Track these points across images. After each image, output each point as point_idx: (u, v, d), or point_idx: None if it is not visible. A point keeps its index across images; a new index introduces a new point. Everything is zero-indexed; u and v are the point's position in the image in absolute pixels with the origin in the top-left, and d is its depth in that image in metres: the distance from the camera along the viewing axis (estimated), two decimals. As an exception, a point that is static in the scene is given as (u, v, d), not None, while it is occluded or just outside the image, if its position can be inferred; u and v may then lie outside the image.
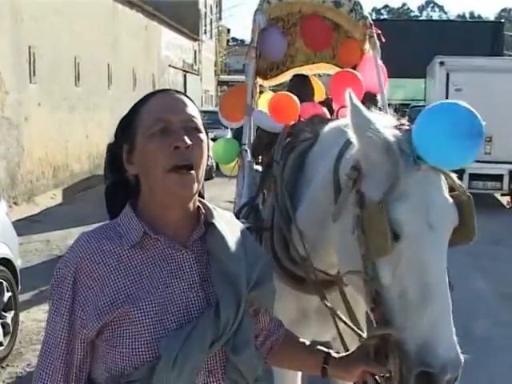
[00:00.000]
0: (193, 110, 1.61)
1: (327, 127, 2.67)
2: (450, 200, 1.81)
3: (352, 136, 1.90)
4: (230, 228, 1.70)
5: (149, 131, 1.55)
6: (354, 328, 2.16)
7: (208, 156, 1.64)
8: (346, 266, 1.98)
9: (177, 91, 1.67)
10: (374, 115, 1.89)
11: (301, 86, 4.84)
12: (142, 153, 1.55)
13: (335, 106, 4.79)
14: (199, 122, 1.61)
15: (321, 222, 2.25)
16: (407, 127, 1.86)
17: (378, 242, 1.74)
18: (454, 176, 1.85)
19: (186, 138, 1.52)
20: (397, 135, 1.82)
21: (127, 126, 1.62)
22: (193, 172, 1.53)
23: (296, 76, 5.23)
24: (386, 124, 1.89)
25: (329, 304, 2.35)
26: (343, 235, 1.95)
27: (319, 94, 5.63)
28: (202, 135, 1.59)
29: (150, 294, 1.51)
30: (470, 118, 1.70)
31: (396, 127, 1.89)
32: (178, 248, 1.58)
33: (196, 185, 1.55)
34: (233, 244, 1.64)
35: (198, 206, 1.67)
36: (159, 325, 1.49)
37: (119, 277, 1.52)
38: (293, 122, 3.53)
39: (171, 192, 1.53)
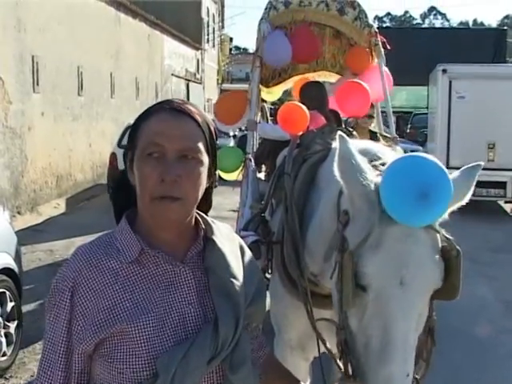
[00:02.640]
0: (193, 135, 1.55)
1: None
2: (435, 257, 1.71)
3: (339, 180, 1.85)
4: (229, 243, 1.68)
5: (144, 153, 1.52)
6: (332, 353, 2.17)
7: (213, 172, 1.63)
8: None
9: (182, 109, 1.57)
10: (362, 159, 1.82)
11: (315, 95, 4.82)
12: (137, 172, 1.54)
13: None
14: (199, 149, 1.54)
15: (327, 248, 2.25)
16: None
17: (345, 291, 1.72)
18: (440, 229, 1.75)
19: (175, 171, 1.48)
20: (378, 184, 1.74)
21: (131, 136, 1.59)
22: (179, 201, 1.50)
23: (310, 83, 5.20)
24: (372, 173, 1.82)
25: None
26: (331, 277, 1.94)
27: None
28: (199, 165, 1.54)
29: (147, 310, 1.50)
30: (420, 178, 1.60)
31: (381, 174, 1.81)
32: (175, 264, 1.56)
33: (183, 211, 1.53)
34: (232, 260, 1.62)
35: (197, 221, 1.65)
36: (156, 341, 1.48)
37: (116, 293, 1.50)
38: (301, 132, 3.53)
39: (157, 218, 1.53)
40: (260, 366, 1.79)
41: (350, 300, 1.72)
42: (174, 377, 1.43)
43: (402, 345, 1.67)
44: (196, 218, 1.65)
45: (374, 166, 1.89)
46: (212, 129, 1.63)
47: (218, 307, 1.54)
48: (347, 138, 1.85)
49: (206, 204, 1.71)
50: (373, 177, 1.79)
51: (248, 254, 1.76)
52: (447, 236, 1.75)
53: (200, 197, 1.57)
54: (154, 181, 1.49)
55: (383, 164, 1.90)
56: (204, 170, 1.56)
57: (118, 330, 1.47)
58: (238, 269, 1.62)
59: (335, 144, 2.72)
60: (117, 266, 1.53)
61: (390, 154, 2.10)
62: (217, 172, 1.72)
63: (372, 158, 1.99)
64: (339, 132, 1.89)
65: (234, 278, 1.59)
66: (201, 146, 1.55)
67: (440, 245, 1.73)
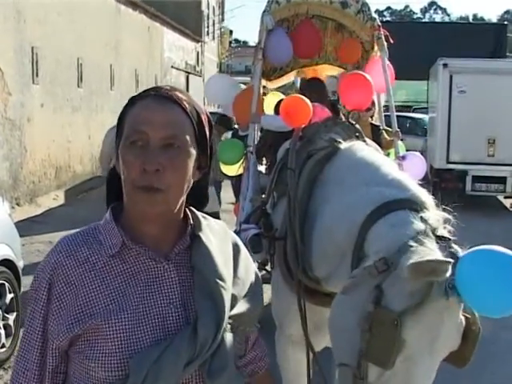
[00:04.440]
0: (179, 123, 1.46)
1: (349, 146, 2.68)
2: (461, 327, 1.76)
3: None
4: (220, 240, 1.59)
5: (127, 140, 1.45)
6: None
7: (206, 163, 1.56)
8: (340, 346, 1.94)
9: (169, 95, 1.49)
10: (432, 248, 1.82)
11: (315, 90, 4.80)
12: (121, 160, 1.46)
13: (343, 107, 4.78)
14: (185, 137, 1.46)
15: (334, 260, 2.23)
16: (451, 255, 1.78)
17: (382, 353, 1.70)
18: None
19: (157, 160, 1.40)
20: (439, 258, 1.74)
21: (118, 123, 1.52)
22: (162, 192, 1.41)
23: (310, 79, 5.21)
24: (433, 246, 1.84)
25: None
26: (347, 313, 1.89)
27: None
28: (184, 154, 1.45)
29: (125, 307, 1.42)
30: None
31: (442, 247, 1.84)
32: (158, 260, 1.48)
33: (166, 203, 1.44)
34: (219, 258, 1.52)
35: (186, 216, 1.57)
36: (132, 341, 1.40)
37: (94, 287, 1.43)
38: (303, 125, 3.50)
39: (139, 209, 1.45)
40: (254, 376, 1.72)
41: (390, 363, 1.70)
42: (145, 379, 1.35)
43: None
44: (185, 212, 1.56)
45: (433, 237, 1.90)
46: (203, 117, 1.54)
47: (199, 308, 1.45)
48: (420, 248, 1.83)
49: (200, 199, 1.62)
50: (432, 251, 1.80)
51: (243, 253, 1.66)
52: (474, 312, 1.78)
53: (187, 189, 1.49)
54: (136, 170, 1.41)
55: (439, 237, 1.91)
56: (190, 160, 1.47)
57: (93, 327, 1.40)
58: (225, 269, 1.52)
59: (344, 145, 2.74)
60: (97, 259, 1.46)
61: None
62: (213, 166, 1.65)
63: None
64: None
65: (219, 278, 1.49)
66: (187, 133, 1.47)
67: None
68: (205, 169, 1.57)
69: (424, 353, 1.73)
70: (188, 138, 1.47)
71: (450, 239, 1.90)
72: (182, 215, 1.55)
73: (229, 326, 1.49)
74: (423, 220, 1.97)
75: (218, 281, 1.48)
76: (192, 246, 1.53)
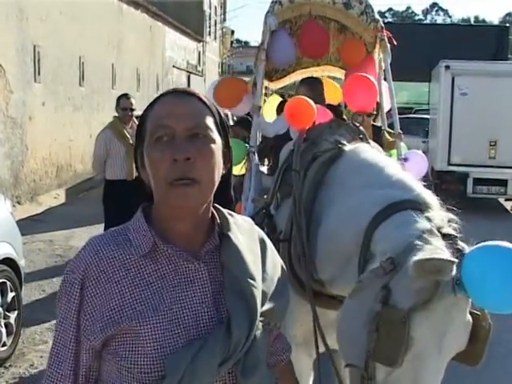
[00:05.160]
0: (201, 113, 1.48)
1: (354, 148, 2.69)
2: (468, 326, 1.76)
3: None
4: (248, 238, 1.59)
5: (152, 138, 1.45)
6: None
7: (228, 158, 1.57)
8: (347, 347, 1.95)
9: (186, 91, 1.53)
10: (437, 245, 1.82)
11: (312, 89, 4.81)
12: (148, 160, 1.46)
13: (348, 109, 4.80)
14: (208, 126, 1.47)
15: (339, 263, 2.23)
16: (458, 252, 1.78)
17: (389, 351, 1.70)
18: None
19: (186, 150, 1.41)
20: (443, 257, 1.73)
21: (139, 131, 1.53)
22: (196, 184, 1.42)
23: (307, 79, 5.20)
24: (439, 243, 1.83)
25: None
26: (355, 315, 1.90)
27: (336, 96, 5.59)
28: (211, 143, 1.46)
29: (158, 308, 1.42)
30: None
31: (448, 244, 1.83)
32: (189, 259, 1.47)
33: (201, 196, 1.45)
34: (248, 257, 1.53)
35: (213, 215, 1.57)
36: (167, 341, 1.40)
37: (127, 288, 1.43)
38: (307, 127, 3.50)
39: (173, 204, 1.44)
40: (278, 371, 1.73)
41: (398, 361, 1.69)
42: (181, 379, 1.36)
43: None
44: (212, 211, 1.57)
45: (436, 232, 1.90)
46: (222, 114, 1.57)
47: (231, 307, 1.45)
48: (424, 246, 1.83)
49: (225, 197, 1.62)
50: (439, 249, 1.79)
51: (270, 248, 1.66)
52: (484, 310, 1.77)
53: (217, 181, 1.49)
54: (166, 163, 1.41)
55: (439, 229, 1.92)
56: (217, 149, 1.48)
57: (127, 328, 1.40)
58: (254, 267, 1.53)
59: (349, 147, 2.73)
60: (129, 259, 1.46)
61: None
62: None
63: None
64: (416, 259, 1.77)
65: (250, 277, 1.49)
66: (210, 123, 1.48)
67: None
68: (228, 164, 1.58)
69: (432, 351, 1.72)
70: (211, 126, 1.49)
71: (456, 236, 1.89)
72: (210, 214, 1.55)
73: (260, 323, 1.49)
74: (428, 219, 1.97)
75: (248, 280, 1.49)
76: (221, 245, 1.53)
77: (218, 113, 1.55)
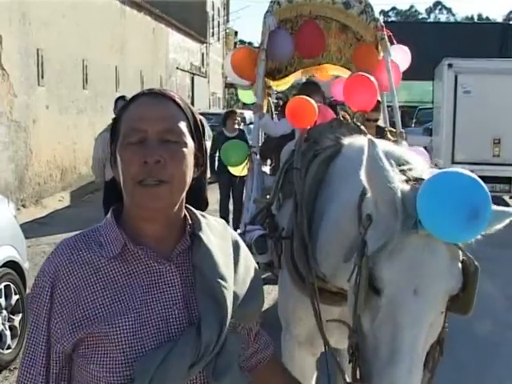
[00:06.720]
0: (175, 117, 1.48)
1: (352, 141, 2.67)
2: (454, 269, 1.69)
3: (365, 184, 1.82)
4: (220, 239, 1.58)
5: (125, 140, 1.45)
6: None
7: (202, 161, 1.56)
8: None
9: (162, 93, 1.52)
10: (390, 165, 1.77)
11: (312, 92, 4.83)
12: (119, 160, 1.46)
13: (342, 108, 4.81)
14: (181, 130, 1.47)
15: (341, 253, 2.23)
16: (417, 185, 1.73)
17: (360, 296, 1.70)
18: (460, 245, 1.71)
19: (157, 153, 1.40)
20: (405, 192, 1.71)
21: (114, 129, 1.52)
22: (165, 184, 1.41)
23: (306, 83, 5.26)
24: (399, 179, 1.78)
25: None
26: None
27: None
28: (182, 147, 1.45)
29: (128, 310, 1.40)
30: (472, 198, 1.55)
31: (408, 181, 1.79)
32: (160, 261, 1.46)
33: (170, 197, 1.44)
34: (220, 258, 1.51)
35: (185, 216, 1.56)
36: (135, 344, 1.38)
37: (96, 290, 1.41)
38: (309, 127, 3.52)
39: (141, 205, 1.43)
40: (264, 368, 1.73)
41: (362, 302, 1.69)
42: (151, 382, 1.34)
43: (409, 353, 1.64)
44: (184, 212, 1.56)
45: (402, 171, 1.85)
46: (197, 117, 1.56)
47: (201, 309, 1.44)
48: (376, 141, 1.81)
49: (199, 200, 1.62)
50: (400, 183, 1.75)
51: (244, 250, 1.65)
52: (466, 252, 1.72)
53: (188, 182, 1.48)
54: (136, 165, 1.41)
55: (410, 169, 1.88)
56: (189, 153, 1.47)
57: (96, 331, 1.38)
58: (226, 268, 1.51)
59: (347, 140, 2.73)
60: (98, 261, 1.44)
61: (416, 159, 2.07)
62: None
63: (400, 162, 1.94)
64: (369, 136, 1.83)
65: (221, 277, 1.47)
66: (183, 127, 1.48)
67: (460, 257, 1.71)
68: (202, 166, 1.57)
69: (406, 293, 1.67)
70: (184, 130, 1.48)
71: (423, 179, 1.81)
72: (182, 215, 1.54)
73: (232, 324, 1.47)
74: (403, 172, 1.90)
75: (219, 280, 1.47)
76: (192, 246, 1.52)
77: (193, 116, 1.54)
